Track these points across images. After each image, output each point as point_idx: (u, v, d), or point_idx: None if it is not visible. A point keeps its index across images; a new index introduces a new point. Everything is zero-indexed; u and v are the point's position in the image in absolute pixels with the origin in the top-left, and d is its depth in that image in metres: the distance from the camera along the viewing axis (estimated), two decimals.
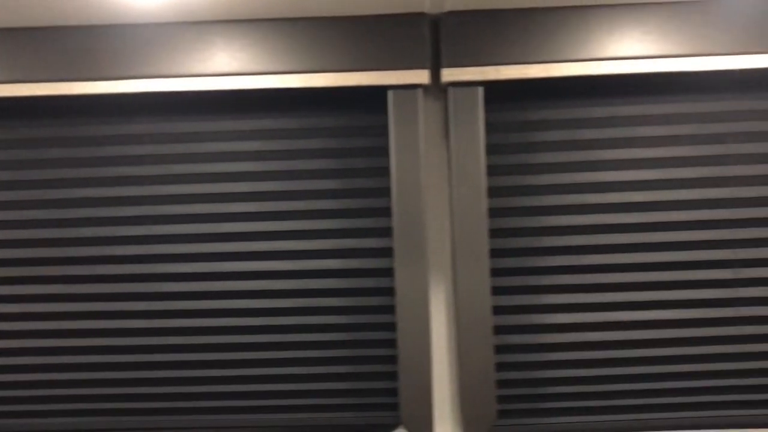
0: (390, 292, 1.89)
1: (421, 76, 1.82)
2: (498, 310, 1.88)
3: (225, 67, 1.85)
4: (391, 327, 1.89)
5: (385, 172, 1.89)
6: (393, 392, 1.90)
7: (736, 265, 1.88)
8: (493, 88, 1.87)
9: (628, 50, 1.80)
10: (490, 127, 1.89)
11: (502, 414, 1.88)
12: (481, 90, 1.83)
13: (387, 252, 1.89)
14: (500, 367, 1.88)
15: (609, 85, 1.89)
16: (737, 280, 1.88)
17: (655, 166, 1.88)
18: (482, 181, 1.83)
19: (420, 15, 1.83)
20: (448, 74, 1.82)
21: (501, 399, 1.88)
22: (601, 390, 1.89)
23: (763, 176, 1.87)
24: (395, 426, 1.89)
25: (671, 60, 1.80)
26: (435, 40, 1.86)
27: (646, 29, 1.80)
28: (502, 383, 1.88)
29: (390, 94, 1.84)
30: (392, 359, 1.90)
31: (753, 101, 1.88)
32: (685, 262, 1.88)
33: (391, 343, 1.90)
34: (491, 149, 1.89)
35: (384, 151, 1.89)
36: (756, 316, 1.88)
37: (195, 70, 1.86)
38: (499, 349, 1.88)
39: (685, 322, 1.88)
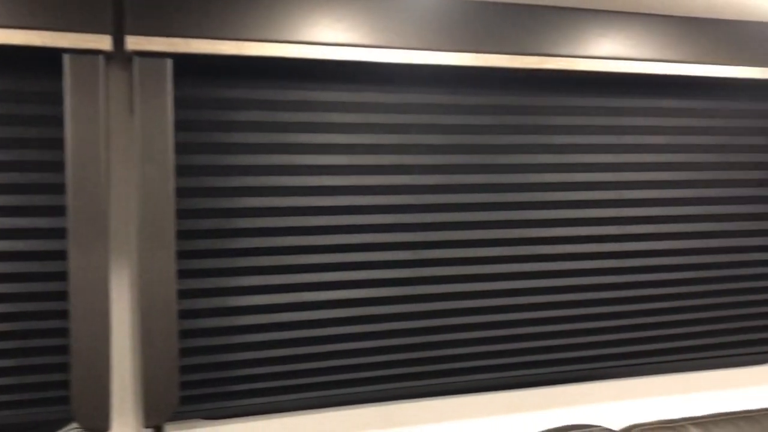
0: (63, 276, 1.73)
1: (102, 42, 1.67)
2: (184, 294, 1.81)
3: None
4: (65, 315, 1.73)
5: (60, 144, 1.72)
6: (65, 385, 1.74)
7: (416, 247, 2.01)
8: (183, 61, 1.78)
9: (321, 36, 1.83)
10: (180, 103, 1.80)
11: (185, 400, 1.82)
12: (170, 62, 1.73)
13: (61, 233, 1.73)
14: (185, 352, 1.82)
15: (303, 70, 1.91)
16: (417, 260, 2.02)
17: (346, 151, 1.94)
18: (170, 159, 1.74)
19: None
20: (133, 42, 1.69)
21: (185, 385, 1.82)
22: (288, 370, 1.92)
23: (440, 166, 2.02)
24: (68, 422, 1.74)
25: (362, 50, 1.85)
26: (120, 3, 1.72)
27: (337, 17, 1.84)
28: (186, 369, 1.82)
29: (66, 58, 1.66)
30: (65, 349, 1.74)
31: (435, 95, 2.01)
32: (372, 243, 1.97)
33: (64, 332, 1.74)
34: (181, 126, 1.81)
35: (59, 121, 1.72)
36: (436, 293, 2.04)
37: None
38: (185, 334, 1.82)
39: (370, 301, 1.98)
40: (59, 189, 1.72)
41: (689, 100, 2.27)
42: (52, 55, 1.69)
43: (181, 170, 1.80)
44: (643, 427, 2.10)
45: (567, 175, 2.15)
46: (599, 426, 2.07)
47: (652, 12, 2.12)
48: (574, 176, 2.16)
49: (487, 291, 2.10)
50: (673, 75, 2.15)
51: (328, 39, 1.84)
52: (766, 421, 2.18)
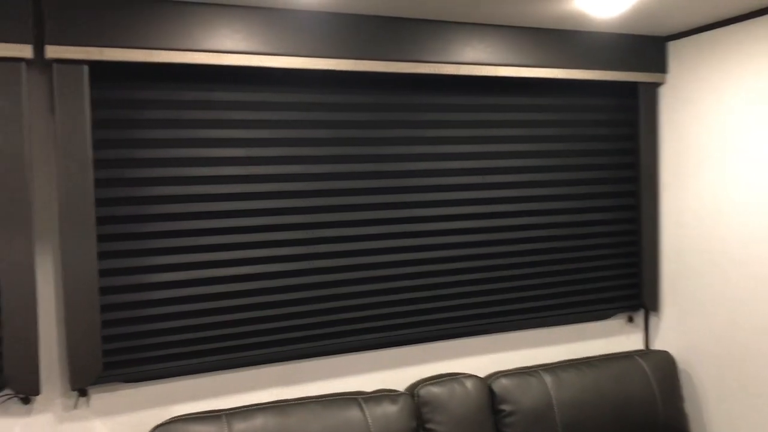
0: None
1: (24, 51, 1.87)
2: (104, 273, 2.05)
3: None
4: None
5: None
6: None
7: (308, 228, 2.32)
8: (98, 67, 2.01)
9: (221, 45, 2.09)
10: (97, 104, 2.03)
11: (108, 366, 2.07)
12: (86, 68, 1.96)
13: None
14: (106, 324, 2.06)
15: (206, 74, 2.17)
16: (308, 239, 2.33)
17: (243, 144, 2.23)
18: (88, 154, 1.97)
19: None
20: (52, 51, 1.90)
21: (107, 353, 2.06)
22: (197, 337, 2.19)
23: (327, 156, 2.34)
24: (1, 388, 1.95)
25: (257, 56, 2.14)
26: (40, 15, 1.92)
27: (235, 28, 2.11)
28: (108, 339, 2.07)
29: None
30: None
31: (321, 95, 2.33)
32: (268, 225, 2.27)
33: None
34: (98, 124, 2.04)
35: None
36: (325, 267, 2.36)
37: None
38: (106, 308, 2.06)
39: (267, 275, 2.28)
40: None
41: (537, 98, 2.68)
42: None
43: (99, 164, 2.04)
44: (504, 373, 2.51)
45: (438, 163, 2.52)
46: (467, 373, 2.46)
47: (506, 24, 2.51)
48: (444, 164, 2.53)
49: (371, 264, 2.44)
50: (523, 77, 2.55)
51: (228, 47, 2.11)
52: (602, 365, 2.65)
